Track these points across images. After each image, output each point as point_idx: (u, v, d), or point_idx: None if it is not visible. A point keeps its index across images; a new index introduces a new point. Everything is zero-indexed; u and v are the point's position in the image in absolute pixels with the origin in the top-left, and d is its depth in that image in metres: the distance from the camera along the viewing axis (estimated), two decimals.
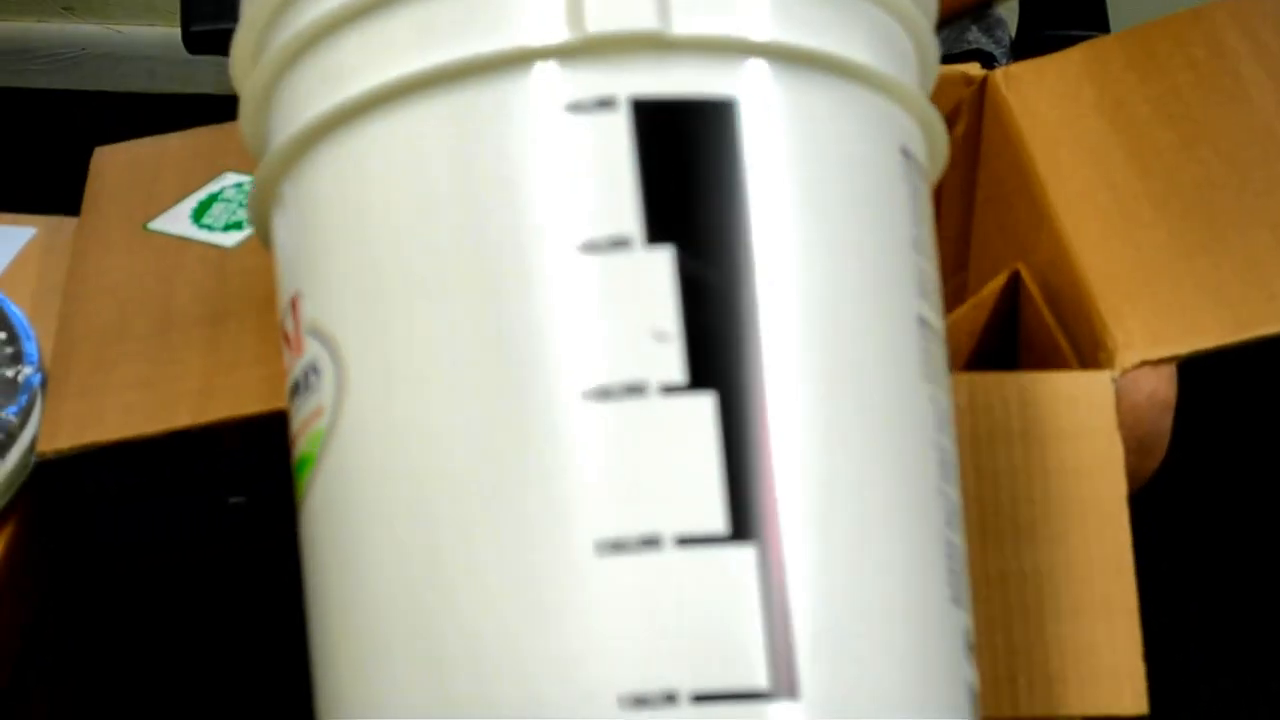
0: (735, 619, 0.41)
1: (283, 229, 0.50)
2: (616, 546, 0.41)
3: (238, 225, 0.69)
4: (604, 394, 0.42)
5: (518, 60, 0.45)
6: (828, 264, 0.45)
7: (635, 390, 0.42)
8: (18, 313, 0.67)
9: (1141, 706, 0.55)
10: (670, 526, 0.41)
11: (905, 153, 0.49)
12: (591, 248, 0.43)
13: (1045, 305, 0.64)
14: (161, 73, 1.73)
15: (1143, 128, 0.67)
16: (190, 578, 0.77)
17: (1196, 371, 0.63)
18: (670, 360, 0.43)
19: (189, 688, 0.80)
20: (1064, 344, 0.62)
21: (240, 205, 0.70)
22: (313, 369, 0.46)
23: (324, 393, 0.45)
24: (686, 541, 0.41)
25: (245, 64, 0.52)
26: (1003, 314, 0.68)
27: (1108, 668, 0.55)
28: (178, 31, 1.17)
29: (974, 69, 0.72)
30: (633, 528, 0.41)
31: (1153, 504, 0.62)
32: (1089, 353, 0.61)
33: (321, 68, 0.48)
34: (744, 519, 0.42)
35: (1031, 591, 0.55)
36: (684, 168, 0.44)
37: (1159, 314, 0.61)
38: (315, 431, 0.46)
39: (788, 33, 0.46)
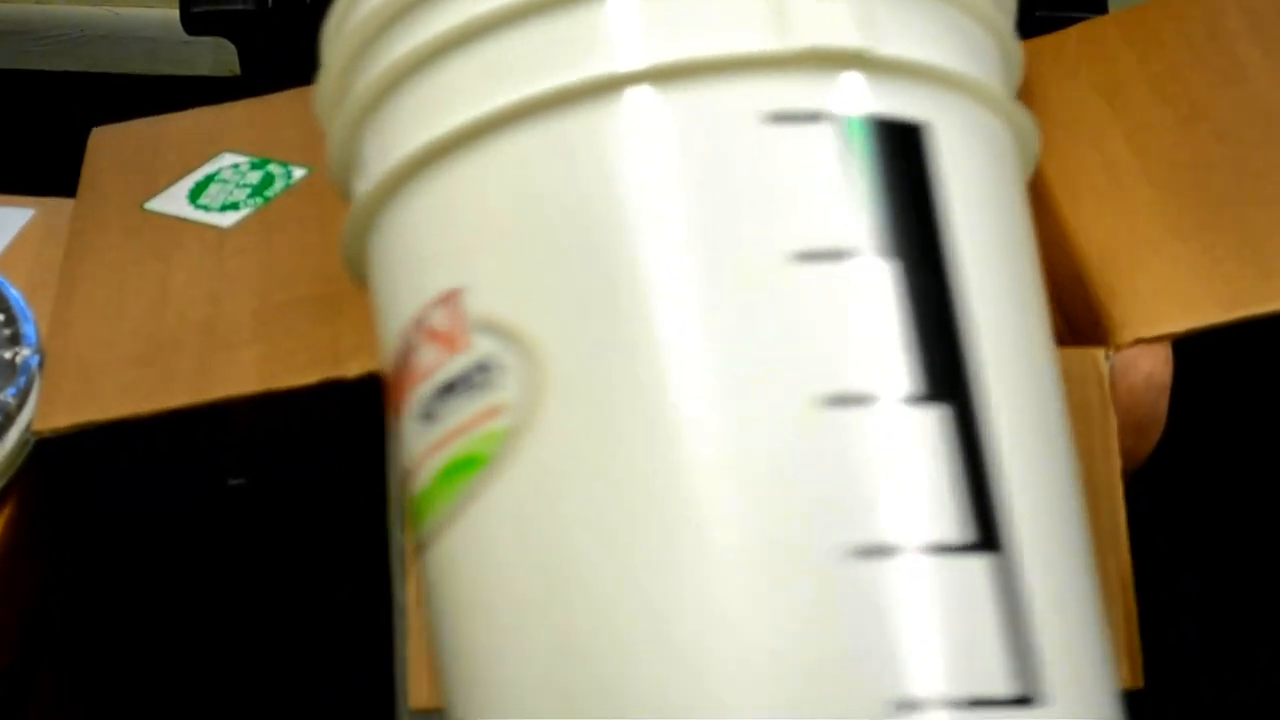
0: (982, 626, 0.42)
1: (419, 225, 0.48)
2: (865, 552, 0.41)
3: (234, 206, 0.69)
4: (840, 401, 0.42)
5: (726, 68, 0.45)
6: (1013, 276, 0.47)
7: (868, 400, 0.43)
8: (16, 294, 0.67)
9: (1137, 680, 0.55)
10: (914, 536, 0.42)
11: (1018, 165, 0.51)
12: (815, 257, 0.44)
13: None
14: (161, 54, 1.73)
15: (1140, 108, 0.67)
16: (193, 557, 0.77)
17: (1192, 350, 0.63)
18: (905, 371, 0.43)
19: (194, 668, 0.80)
20: (1060, 322, 0.63)
21: (237, 186, 0.70)
22: (483, 366, 0.45)
23: (504, 390, 0.44)
24: (930, 550, 0.42)
25: (332, 98, 0.52)
26: None
27: None
28: (176, 13, 1.17)
29: None
30: (877, 535, 0.41)
31: (1148, 479, 0.62)
32: (1085, 331, 0.61)
33: (473, 70, 0.47)
34: (985, 527, 0.42)
35: None
36: (896, 184, 0.45)
37: (1155, 292, 0.61)
38: (491, 431, 0.44)
39: (954, 60, 0.48)
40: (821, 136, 0.45)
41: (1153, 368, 0.64)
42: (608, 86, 0.45)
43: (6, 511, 0.61)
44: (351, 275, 0.53)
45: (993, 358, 0.45)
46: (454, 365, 0.45)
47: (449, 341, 0.46)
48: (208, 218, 0.69)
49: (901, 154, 0.46)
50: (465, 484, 0.45)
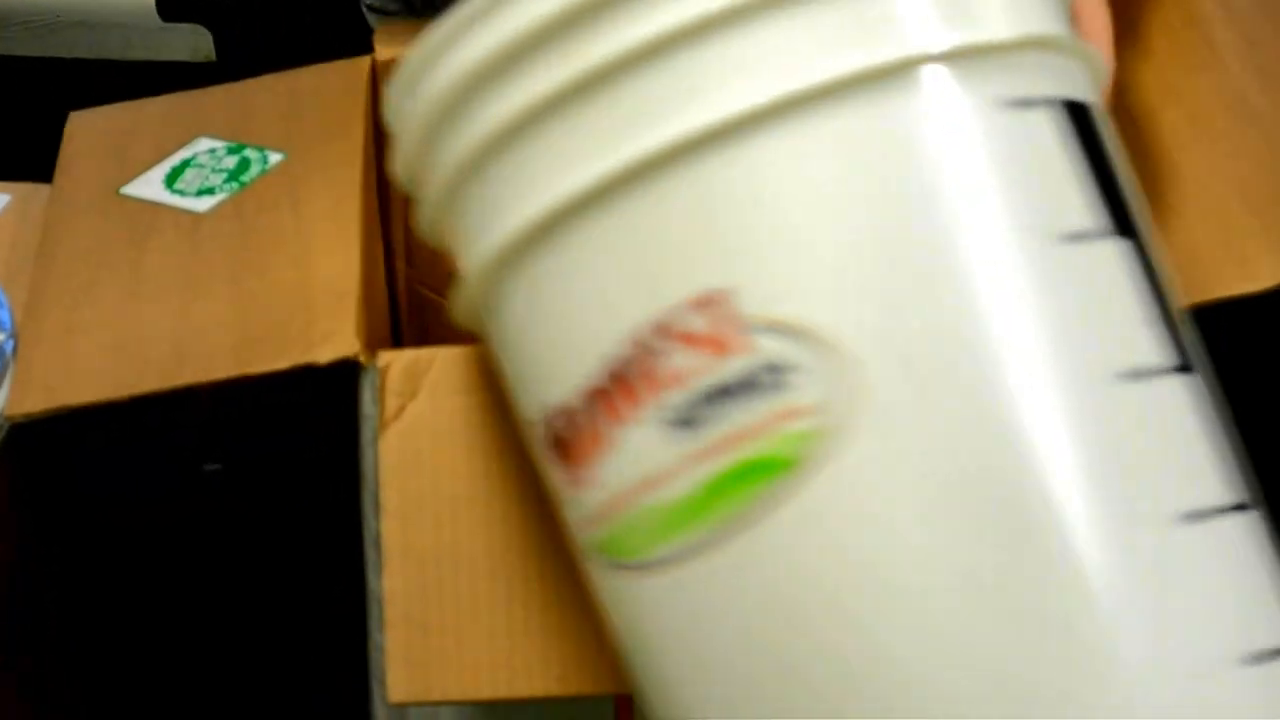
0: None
1: (656, 227, 0.45)
2: (1189, 517, 0.44)
3: (210, 191, 0.69)
4: (1136, 375, 0.44)
5: (920, 62, 0.45)
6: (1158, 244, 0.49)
7: (1152, 373, 0.45)
8: None
9: None
10: (1212, 499, 0.44)
11: None
12: (1071, 239, 0.45)
13: None
14: (136, 40, 1.72)
15: (1115, 93, 0.68)
16: (168, 543, 0.77)
17: None
18: (1164, 344, 0.45)
19: (168, 654, 0.80)
20: None
21: (214, 170, 0.70)
22: (773, 367, 0.43)
23: (803, 392, 0.43)
24: (1217, 513, 0.44)
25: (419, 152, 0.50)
26: None
27: None
28: None
29: None
30: (1196, 501, 0.44)
31: None
32: None
33: (733, 59, 0.45)
34: (1242, 487, 0.46)
35: None
36: (1098, 164, 0.47)
37: None
38: (793, 433, 0.43)
39: (1066, 32, 0.49)
40: (1038, 122, 0.46)
41: None
42: (903, 69, 0.44)
43: None
44: (465, 315, 0.51)
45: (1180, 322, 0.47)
46: (728, 368, 0.43)
47: (717, 345, 0.43)
48: (184, 202, 0.69)
49: (1090, 134, 0.47)
50: (760, 489, 0.43)
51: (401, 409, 0.57)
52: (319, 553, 0.74)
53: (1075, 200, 0.45)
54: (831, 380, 0.42)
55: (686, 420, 0.44)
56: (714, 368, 0.43)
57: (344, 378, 0.58)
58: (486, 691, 0.55)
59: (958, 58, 0.45)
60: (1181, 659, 0.42)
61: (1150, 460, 0.44)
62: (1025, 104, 0.46)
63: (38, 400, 0.60)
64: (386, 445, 0.57)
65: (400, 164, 0.51)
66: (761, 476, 0.43)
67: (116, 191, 0.70)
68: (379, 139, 0.73)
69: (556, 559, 0.55)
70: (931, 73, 0.44)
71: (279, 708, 0.82)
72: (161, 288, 0.64)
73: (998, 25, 0.46)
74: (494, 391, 0.56)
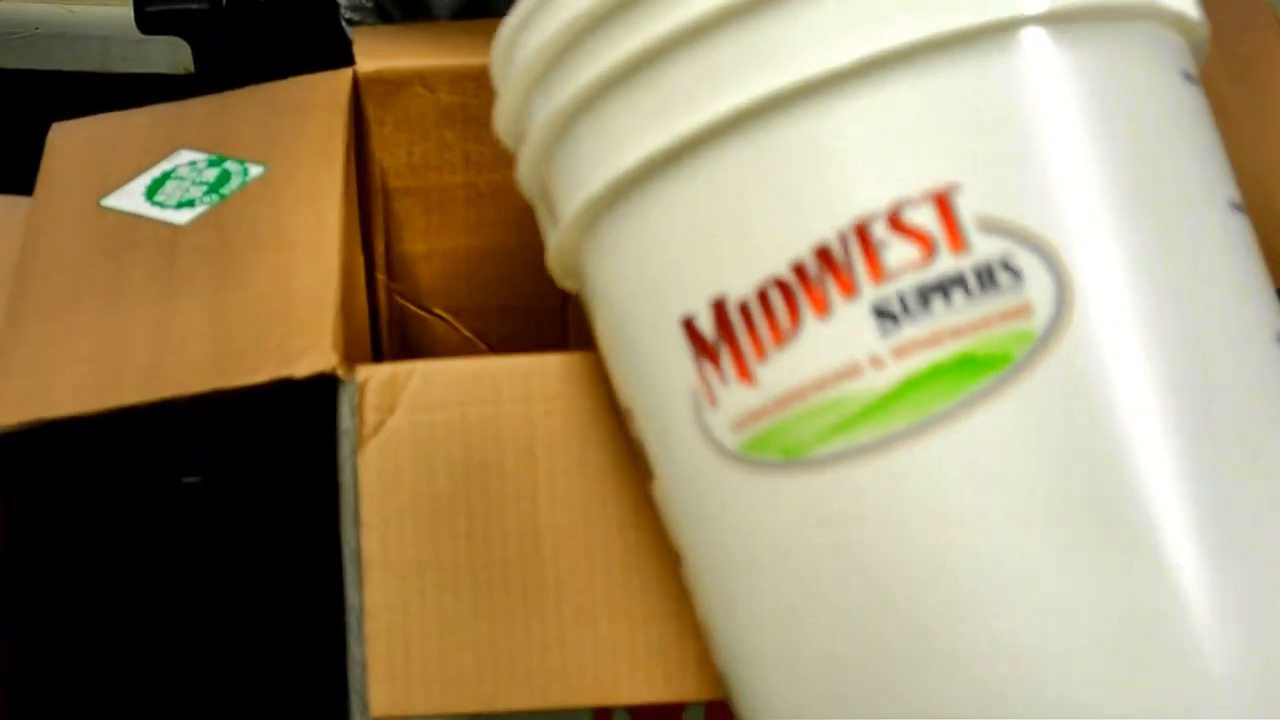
0: None
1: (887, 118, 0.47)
2: None
3: (190, 203, 0.69)
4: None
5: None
6: None
7: None
8: None
9: None
10: None
11: None
12: (1235, 208, 0.48)
13: None
14: (115, 52, 1.72)
15: None
16: (147, 555, 0.77)
17: None
18: None
19: (148, 666, 0.80)
20: None
21: (194, 183, 0.70)
22: (998, 266, 0.44)
23: (1027, 293, 0.44)
24: None
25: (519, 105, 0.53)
26: None
27: None
28: (130, 11, 1.16)
29: None
30: None
31: None
32: None
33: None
34: None
35: None
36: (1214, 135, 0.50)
37: None
38: (1016, 332, 0.44)
39: None
40: (1199, 93, 0.50)
41: None
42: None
43: None
44: (561, 270, 0.54)
45: None
46: (950, 264, 0.45)
47: (935, 240, 0.45)
48: (163, 214, 0.68)
49: (1202, 104, 0.50)
50: (974, 384, 0.44)
51: (380, 424, 0.57)
52: (297, 566, 0.74)
53: (1228, 173, 0.49)
54: (1050, 287, 0.44)
55: (896, 314, 0.45)
56: (934, 262, 0.45)
57: (322, 392, 0.58)
58: (469, 705, 0.55)
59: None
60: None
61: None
62: (1192, 79, 0.50)
63: (15, 413, 0.59)
64: (365, 460, 0.57)
65: (501, 119, 0.53)
66: (975, 373, 0.44)
67: (97, 203, 0.70)
68: (360, 151, 0.73)
69: (539, 569, 0.55)
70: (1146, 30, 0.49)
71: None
72: (141, 300, 0.64)
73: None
74: (473, 405, 0.56)
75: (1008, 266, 0.44)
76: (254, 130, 0.73)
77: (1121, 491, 0.43)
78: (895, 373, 0.44)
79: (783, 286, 0.46)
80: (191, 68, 1.18)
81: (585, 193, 0.50)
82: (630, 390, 0.52)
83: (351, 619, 0.56)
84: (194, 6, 1.12)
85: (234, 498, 0.75)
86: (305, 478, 0.64)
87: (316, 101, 0.74)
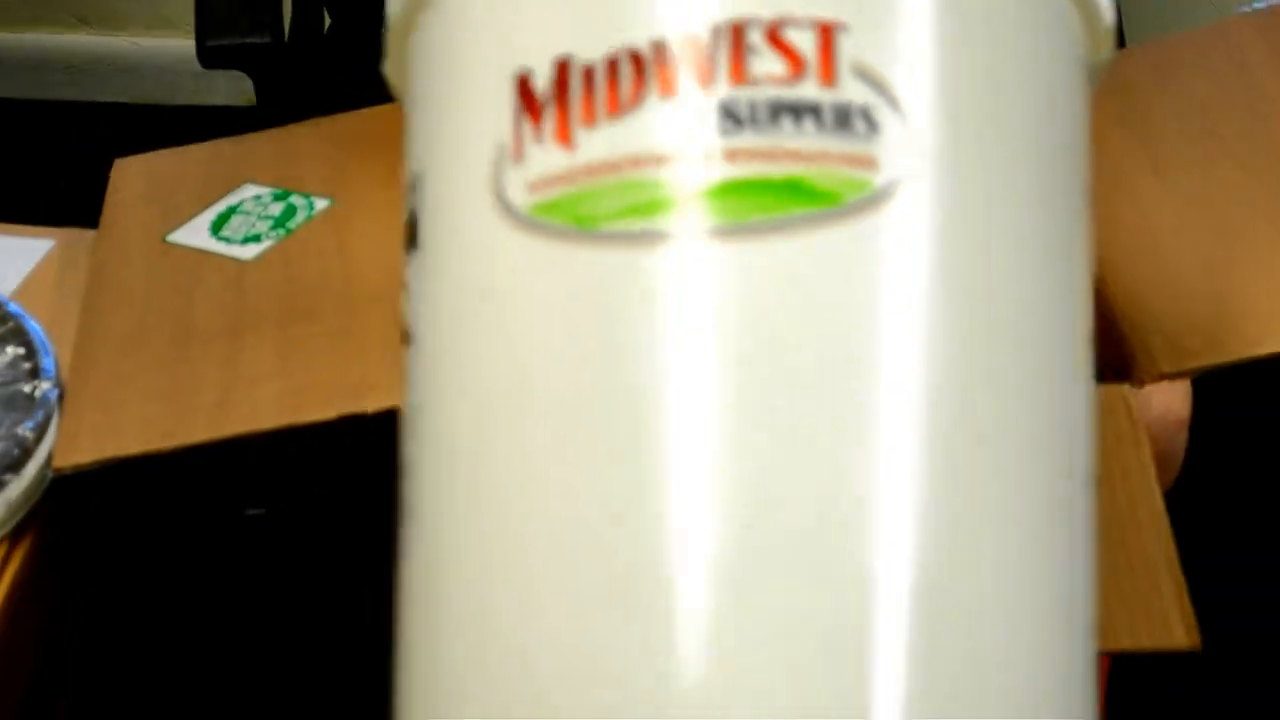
0: None
1: None
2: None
3: (256, 238, 0.69)
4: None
5: None
6: None
7: None
8: (36, 327, 0.67)
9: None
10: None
11: None
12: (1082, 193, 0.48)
13: None
14: (178, 84, 1.73)
15: (1165, 142, 0.67)
16: (207, 587, 0.77)
17: (1216, 387, 0.63)
18: None
19: (204, 701, 0.80)
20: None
21: (259, 217, 0.70)
22: (856, 111, 0.44)
23: (873, 146, 0.44)
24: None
25: None
26: None
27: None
28: (193, 44, 1.17)
29: None
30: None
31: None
32: (1113, 367, 0.61)
33: None
34: None
35: None
36: None
37: (1182, 329, 0.61)
38: (851, 180, 0.44)
39: None
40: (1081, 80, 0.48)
41: (1170, 403, 0.64)
42: None
43: (24, 544, 0.61)
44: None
45: None
46: (813, 92, 0.44)
47: (807, 65, 0.45)
48: (230, 250, 0.69)
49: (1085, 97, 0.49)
50: (795, 210, 0.44)
51: None
52: (357, 602, 0.74)
53: (1087, 160, 0.48)
54: (901, 156, 0.44)
55: (744, 117, 0.44)
56: (800, 86, 0.44)
57: (388, 426, 0.58)
58: None
59: None
60: None
61: None
62: (1085, 67, 0.49)
63: (85, 452, 0.60)
64: None
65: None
66: (794, 201, 0.43)
67: (162, 239, 0.70)
68: None
69: None
70: None
71: None
72: (209, 336, 0.64)
73: None
74: None
75: (867, 117, 0.44)
76: (318, 163, 0.74)
77: (864, 370, 0.42)
78: (719, 172, 0.44)
79: (636, 59, 0.45)
80: (254, 99, 1.19)
81: None
82: (427, 149, 0.49)
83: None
84: (256, 41, 1.12)
85: (296, 531, 0.75)
86: (371, 514, 0.64)
87: (380, 133, 0.75)
